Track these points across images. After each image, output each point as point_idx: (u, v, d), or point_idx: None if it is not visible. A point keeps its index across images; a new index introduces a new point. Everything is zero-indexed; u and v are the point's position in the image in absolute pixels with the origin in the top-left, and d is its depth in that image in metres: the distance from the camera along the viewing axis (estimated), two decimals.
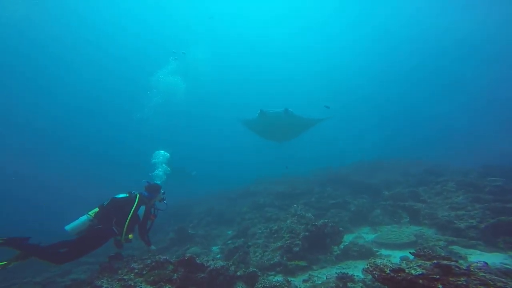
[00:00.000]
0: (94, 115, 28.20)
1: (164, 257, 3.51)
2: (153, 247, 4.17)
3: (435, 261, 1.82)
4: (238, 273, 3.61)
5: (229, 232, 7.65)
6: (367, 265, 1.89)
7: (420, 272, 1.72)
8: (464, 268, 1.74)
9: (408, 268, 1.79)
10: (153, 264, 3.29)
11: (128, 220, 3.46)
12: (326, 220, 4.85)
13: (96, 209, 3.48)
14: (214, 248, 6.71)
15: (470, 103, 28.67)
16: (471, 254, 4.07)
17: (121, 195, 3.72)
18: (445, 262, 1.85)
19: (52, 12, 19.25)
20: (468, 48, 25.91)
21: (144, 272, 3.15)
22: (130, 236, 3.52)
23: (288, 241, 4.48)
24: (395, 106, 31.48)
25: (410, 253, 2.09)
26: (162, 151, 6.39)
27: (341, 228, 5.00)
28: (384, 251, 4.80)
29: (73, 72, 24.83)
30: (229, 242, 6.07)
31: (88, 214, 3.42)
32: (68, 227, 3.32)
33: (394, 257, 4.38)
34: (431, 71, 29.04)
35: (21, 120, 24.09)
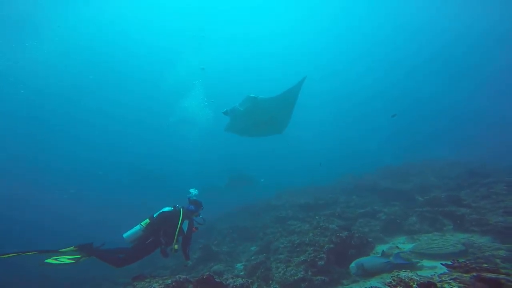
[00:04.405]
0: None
1: (184, 276, 3.49)
2: (189, 262, 4.31)
3: (474, 274, 1.54)
4: None
5: (253, 248, 7.46)
6: (389, 279, 1.66)
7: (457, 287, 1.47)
8: None
9: (440, 282, 1.54)
10: (173, 284, 3.28)
11: (177, 233, 3.77)
12: (352, 231, 4.51)
13: (147, 220, 3.88)
14: (238, 265, 6.55)
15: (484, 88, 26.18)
16: None
17: (167, 209, 4.03)
18: (490, 275, 1.56)
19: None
20: (471, 33, 24.20)
21: None
22: (176, 247, 3.77)
23: (312, 255, 4.21)
24: (404, 103, 29.57)
25: (442, 264, 1.81)
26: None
27: (370, 239, 4.61)
28: (426, 262, 4.25)
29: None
30: (252, 258, 5.89)
31: (141, 225, 3.82)
32: (125, 235, 3.80)
33: (440, 269, 3.87)
34: (437, 61, 27.44)
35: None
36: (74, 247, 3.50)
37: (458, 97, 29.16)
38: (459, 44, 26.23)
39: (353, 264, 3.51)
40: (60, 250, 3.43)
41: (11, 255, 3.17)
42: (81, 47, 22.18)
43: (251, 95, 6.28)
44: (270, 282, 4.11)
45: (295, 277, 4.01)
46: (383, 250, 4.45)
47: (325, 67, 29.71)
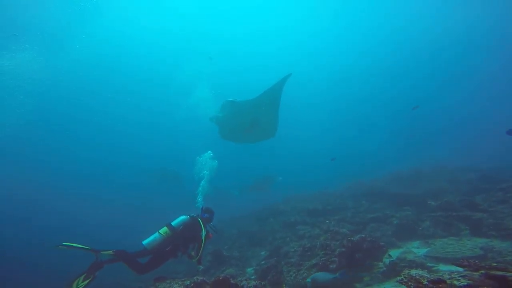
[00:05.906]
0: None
1: (201, 278, 3.65)
2: (200, 266, 4.44)
3: (483, 272, 1.62)
4: None
5: (262, 253, 7.52)
6: (401, 275, 1.76)
7: (466, 284, 1.55)
8: None
9: (450, 279, 1.63)
10: (192, 285, 3.45)
11: (203, 244, 3.92)
12: (363, 235, 4.55)
13: (165, 228, 3.99)
14: (249, 269, 6.63)
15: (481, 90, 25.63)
16: None
17: (184, 217, 4.18)
18: (499, 273, 1.63)
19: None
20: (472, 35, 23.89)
21: None
22: (193, 253, 3.96)
23: (324, 258, 4.27)
24: (404, 104, 29.16)
25: (453, 264, 1.89)
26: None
27: (382, 243, 4.62)
28: (442, 267, 4.18)
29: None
30: (263, 262, 5.98)
31: (159, 233, 3.93)
32: (144, 242, 3.93)
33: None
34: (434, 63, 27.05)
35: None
36: (112, 251, 3.76)
37: (458, 98, 28.76)
38: (458, 45, 26.01)
39: (309, 279, 3.83)
40: (102, 251, 3.67)
41: (63, 246, 3.43)
42: (103, 56, 23.10)
43: (229, 99, 6.10)
44: (282, 285, 4.19)
45: (307, 280, 4.08)
46: (390, 254, 4.47)
47: (324, 67, 29.69)
